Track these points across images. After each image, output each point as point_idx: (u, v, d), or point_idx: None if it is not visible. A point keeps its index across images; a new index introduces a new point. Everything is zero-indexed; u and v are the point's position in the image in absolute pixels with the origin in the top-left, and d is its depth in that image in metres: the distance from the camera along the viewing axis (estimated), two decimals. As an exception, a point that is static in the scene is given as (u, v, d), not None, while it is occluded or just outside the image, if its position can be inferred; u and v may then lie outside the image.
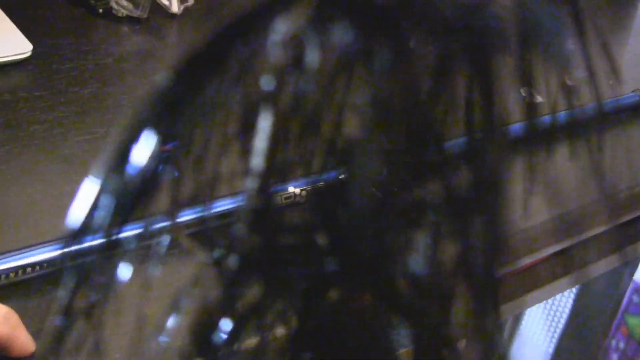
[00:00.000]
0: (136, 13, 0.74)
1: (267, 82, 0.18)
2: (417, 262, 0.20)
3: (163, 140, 0.19)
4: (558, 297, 1.34)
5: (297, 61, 0.18)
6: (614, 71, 0.19)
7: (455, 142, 0.20)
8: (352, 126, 0.19)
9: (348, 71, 0.18)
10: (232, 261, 0.20)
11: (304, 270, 0.20)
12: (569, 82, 0.19)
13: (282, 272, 0.20)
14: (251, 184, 0.19)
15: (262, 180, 0.19)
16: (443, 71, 0.18)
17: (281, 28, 0.18)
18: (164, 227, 0.20)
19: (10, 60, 0.64)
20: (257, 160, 0.19)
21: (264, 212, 0.20)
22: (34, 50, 0.65)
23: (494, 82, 0.18)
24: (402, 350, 0.21)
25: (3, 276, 0.44)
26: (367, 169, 0.19)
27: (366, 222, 0.19)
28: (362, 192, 0.19)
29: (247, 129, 0.19)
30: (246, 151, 0.19)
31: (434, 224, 0.20)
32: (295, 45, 0.18)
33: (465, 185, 0.19)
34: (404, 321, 0.20)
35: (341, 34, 0.18)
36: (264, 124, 0.19)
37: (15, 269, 0.45)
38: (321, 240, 0.20)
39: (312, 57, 0.18)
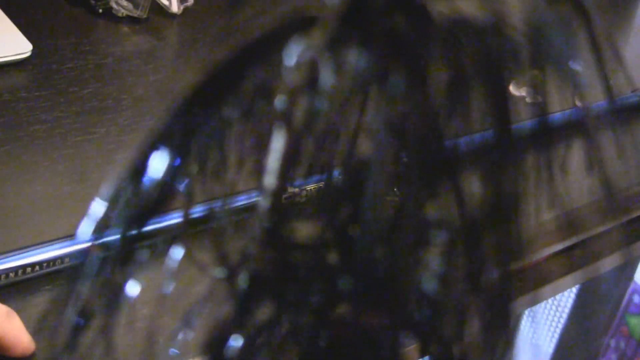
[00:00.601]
0: (136, 13, 0.74)
1: (281, 103, 0.18)
2: (429, 279, 0.20)
3: (177, 156, 0.19)
4: (558, 296, 1.34)
5: (312, 84, 0.18)
6: (626, 77, 0.19)
7: (469, 158, 0.20)
8: (365, 147, 0.19)
9: (363, 94, 0.18)
10: (245, 277, 0.20)
11: (316, 288, 0.20)
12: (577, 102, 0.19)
13: (294, 289, 0.20)
14: (264, 203, 0.19)
15: (275, 199, 0.19)
16: (458, 93, 0.18)
17: (297, 51, 0.18)
18: (176, 239, 0.21)
19: (10, 60, 0.64)
20: (270, 180, 0.19)
21: (277, 229, 0.20)
22: (34, 50, 0.65)
23: (509, 104, 0.19)
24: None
25: (3, 276, 0.44)
26: (380, 188, 0.19)
27: (379, 239, 0.19)
28: (374, 211, 0.19)
29: (261, 148, 0.19)
30: (259, 170, 0.19)
31: (446, 241, 0.20)
32: (311, 68, 0.18)
33: (478, 202, 0.19)
34: (416, 339, 0.20)
35: (357, 57, 0.18)
36: (278, 144, 0.19)
37: (15, 269, 0.45)
38: (333, 257, 0.20)
39: (327, 79, 0.18)
